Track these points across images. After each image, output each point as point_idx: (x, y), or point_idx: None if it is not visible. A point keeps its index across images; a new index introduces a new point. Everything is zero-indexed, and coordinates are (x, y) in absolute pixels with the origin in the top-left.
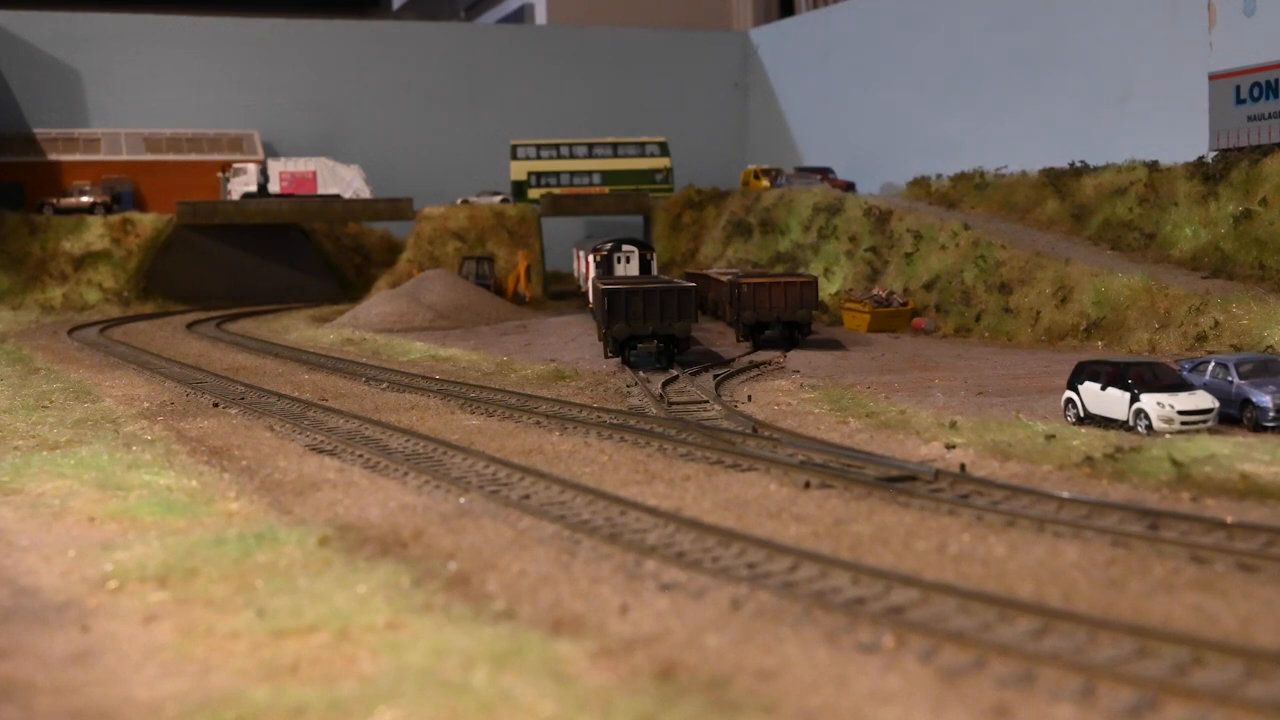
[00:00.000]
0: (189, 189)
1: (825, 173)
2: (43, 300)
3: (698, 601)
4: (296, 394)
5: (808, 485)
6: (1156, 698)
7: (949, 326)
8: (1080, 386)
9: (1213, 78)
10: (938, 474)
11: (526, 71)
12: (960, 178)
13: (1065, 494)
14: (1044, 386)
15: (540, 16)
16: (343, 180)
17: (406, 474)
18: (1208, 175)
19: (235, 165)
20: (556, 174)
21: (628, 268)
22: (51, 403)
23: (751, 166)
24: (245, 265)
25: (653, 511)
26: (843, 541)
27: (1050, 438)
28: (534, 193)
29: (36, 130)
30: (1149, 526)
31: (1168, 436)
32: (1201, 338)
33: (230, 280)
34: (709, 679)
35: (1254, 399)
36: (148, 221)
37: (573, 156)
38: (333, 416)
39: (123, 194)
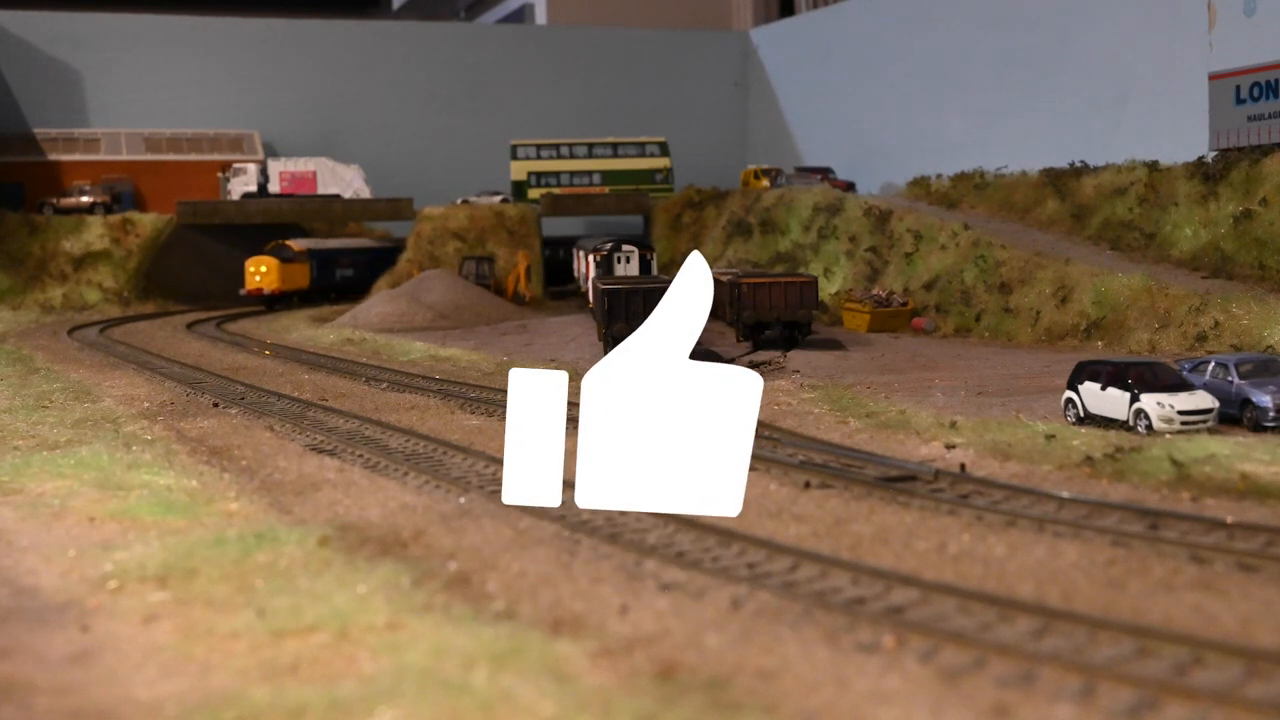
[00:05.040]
0: (189, 189)
1: (825, 173)
2: (43, 300)
3: (698, 601)
4: (296, 394)
5: (808, 485)
6: (1156, 698)
7: (949, 326)
8: (1080, 386)
9: (1213, 78)
10: (938, 474)
11: (526, 71)
12: (960, 178)
13: (1065, 494)
14: (1044, 386)
15: (540, 16)
16: (343, 180)
17: (406, 474)
18: (1208, 175)
19: (235, 165)
20: (556, 174)
21: (628, 268)
22: (51, 403)
23: (751, 166)
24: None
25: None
26: (843, 541)
27: (1050, 438)
28: (534, 193)
29: (36, 130)
30: (1149, 526)
31: (1168, 436)
32: (1201, 338)
33: (230, 280)
34: (709, 679)
35: (1254, 399)
36: (148, 221)
37: (573, 156)
38: (333, 416)
39: (123, 194)
